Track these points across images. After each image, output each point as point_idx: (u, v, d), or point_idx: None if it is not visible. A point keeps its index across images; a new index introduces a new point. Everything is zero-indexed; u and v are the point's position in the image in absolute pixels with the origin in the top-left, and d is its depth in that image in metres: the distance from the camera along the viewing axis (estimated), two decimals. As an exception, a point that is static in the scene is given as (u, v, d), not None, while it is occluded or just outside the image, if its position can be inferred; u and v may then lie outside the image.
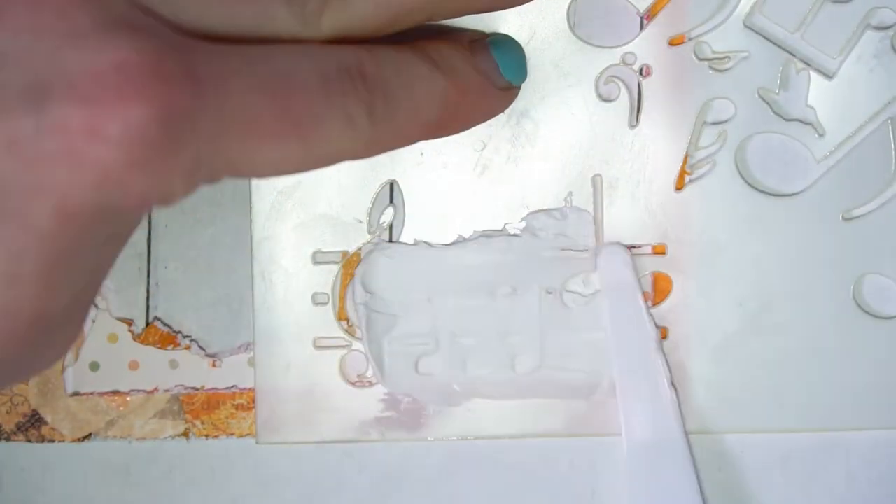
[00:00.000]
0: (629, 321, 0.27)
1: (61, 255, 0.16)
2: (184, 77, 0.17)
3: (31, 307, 0.17)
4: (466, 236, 0.27)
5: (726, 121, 0.27)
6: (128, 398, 0.28)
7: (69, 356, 0.28)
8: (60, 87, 0.16)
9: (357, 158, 0.20)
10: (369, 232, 0.27)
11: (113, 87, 0.16)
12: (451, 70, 0.22)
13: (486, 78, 0.23)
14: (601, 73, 0.27)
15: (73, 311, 0.18)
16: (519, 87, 0.25)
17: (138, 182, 0.16)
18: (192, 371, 0.28)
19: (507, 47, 0.24)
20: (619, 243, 0.27)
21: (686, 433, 0.27)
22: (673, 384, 0.27)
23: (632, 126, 0.27)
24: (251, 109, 0.18)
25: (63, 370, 0.28)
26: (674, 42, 0.27)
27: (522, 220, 0.27)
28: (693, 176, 0.27)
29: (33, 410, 0.28)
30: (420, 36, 0.22)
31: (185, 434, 0.28)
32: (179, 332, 0.28)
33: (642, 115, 0.27)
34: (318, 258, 0.27)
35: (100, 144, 0.16)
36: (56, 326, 0.18)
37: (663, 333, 0.27)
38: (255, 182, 0.27)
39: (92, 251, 0.17)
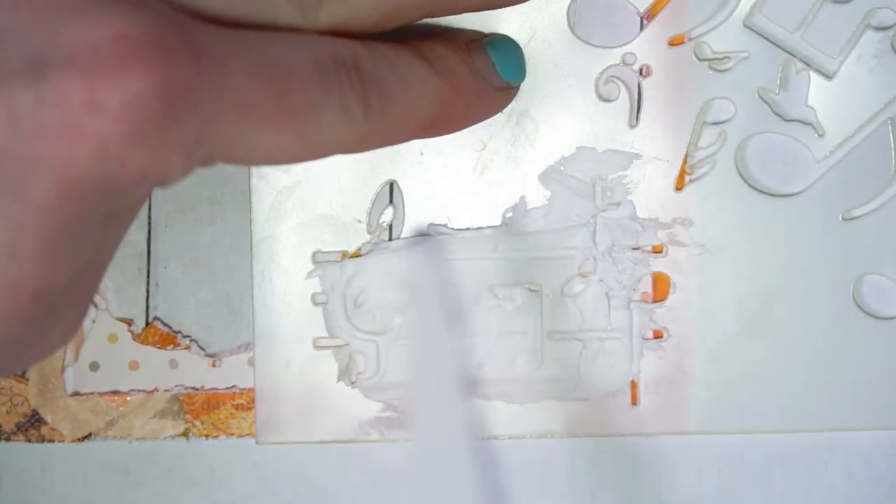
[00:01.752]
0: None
1: (61, 229, 0.16)
2: (184, 51, 0.17)
3: (32, 283, 0.17)
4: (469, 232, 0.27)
5: (726, 121, 0.27)
6: (128, 398, 0.28)
7: (69, 356, 0.28)
8: (59, 60, 0.16)
9: (351, 152, 0.20)
10: (369, 232, 0.27)
11: (112, 59, 0.16)
12: (445, 69, 0.22)
13: (481, 78, 0.23)
14: (601, 73, 0.27)
15: (76, 291, 0.18)
16: (517, 88, 0.25)
17: (137, 155, 0.16)
18: (191, 371, 0.28)
19: (505, 47, 0.24)
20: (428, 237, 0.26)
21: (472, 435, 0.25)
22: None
23: (632, 126, 0.27)
24: (249, 92, 0.18)
25: (63, 370, 0.28)
26: (674, 42, 0.27)
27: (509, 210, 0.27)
28: (693, 176, 0.27)
29: (33, 410, 0.28)
30: (417, 36, 0.22)
31: (185, 434, 0.28)
32: (179, 332, 0.28)
33: (642, 115, 0.27)
34: (318, 258, 0.27)
35: (98, 117, 0.16)
36: (59, 306, 0.18)
37: (662, 334, 0.27)
38: (255, 182, 0.27)
39: (92, 227, 0.17)
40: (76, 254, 0.17)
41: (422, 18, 0.22)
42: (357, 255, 0.27)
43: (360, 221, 0.27)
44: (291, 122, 0.18)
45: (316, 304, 0.27)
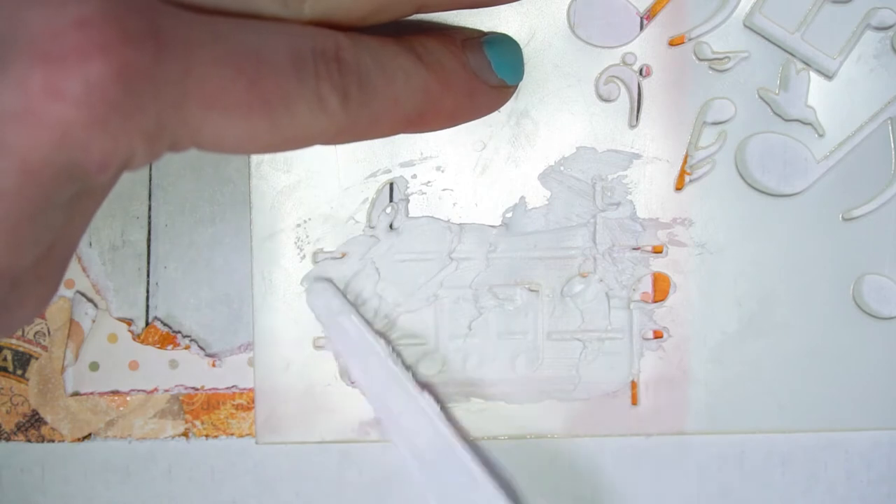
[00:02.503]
0: (356, 341, 0.27)
1: (24, 213, 0.16)
2: (146, 38, 0.17)
3: None
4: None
5: (726, 121, 0.27)
6: (128, 398, 0.28)
7: (69, 356, 0.28)
8: (21, 45, 0.16)
9: (330, 143, 0.20)
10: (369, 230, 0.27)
11: (73, 45, 0.16)
12: (435, 64, 0.22)
13: (475, 75, 0.23)
14: (601, 73, 0.27)
15: (43, 270, 0.18)
16: (515, 87, 0.25)
17: (98, 142, 0.16)
18: (191, 371, 0.28)
19: (503, 46, 0.24)
20: (319, 278, 0.27)
21: (457, 433, 0.26)
22: (425, 388, 0.26)
23: (632, 126, 0.27)
24: (216, 80, 0.18)
25: (63, 370, 0.28)
26: (674, 42, 0.27)
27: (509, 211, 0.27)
28: (693, 176, 0.27)
29: (33, 410, 0.28)
30: (413, 32, 0.22)
31: (185, 434, 0.28)
32: (179, 332, 0.28)
33: (642, 115, 0.27)
34: (318, 258, 0.27)
35: (59, 103, 0.16)
36: (25, 285, 0.18)
37: (662, 334, 0.27)
38: (255, 182, 0.27)
39: (56, 211, 0.17)
40: (39, 237, 0.17)
41: (412, 13, 0.21)
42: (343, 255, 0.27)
43: (357, 222, 0.27)
44: (262, 111, 0.18)
45: (316, 304, 0.27)
